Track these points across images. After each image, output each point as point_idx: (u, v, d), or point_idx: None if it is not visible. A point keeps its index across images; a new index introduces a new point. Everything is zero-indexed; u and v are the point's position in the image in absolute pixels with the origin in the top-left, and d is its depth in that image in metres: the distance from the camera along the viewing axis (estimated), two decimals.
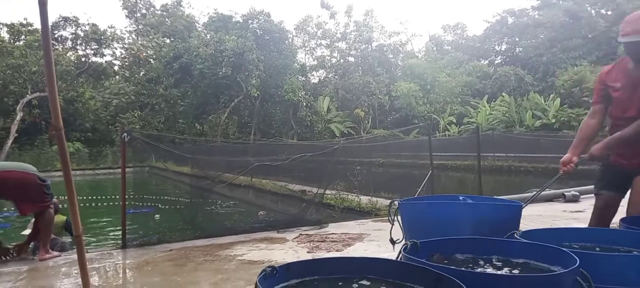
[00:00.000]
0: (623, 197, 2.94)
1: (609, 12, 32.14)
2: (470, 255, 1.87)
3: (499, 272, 1.69)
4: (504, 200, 2.91)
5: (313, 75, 39.61)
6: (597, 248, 1.99)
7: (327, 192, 7.18)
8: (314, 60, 40.01)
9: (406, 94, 31.98)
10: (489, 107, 28.45)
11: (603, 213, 2.94)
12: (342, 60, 37.98)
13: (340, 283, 1.56)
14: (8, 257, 4.32)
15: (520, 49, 37.11)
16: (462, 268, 1.67)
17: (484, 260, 1.82)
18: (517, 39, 38.31)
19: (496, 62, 40.11)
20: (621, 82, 2.89)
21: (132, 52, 35.09)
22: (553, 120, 24.38)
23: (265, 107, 31.16)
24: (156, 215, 7.98)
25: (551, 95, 26.27)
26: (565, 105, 25.06)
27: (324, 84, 37.06)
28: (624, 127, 2.80)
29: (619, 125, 2.86)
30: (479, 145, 8.42)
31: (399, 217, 2.62)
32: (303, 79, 34.97)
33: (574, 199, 7.06)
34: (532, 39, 35.36)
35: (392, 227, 2.62)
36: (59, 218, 5.48)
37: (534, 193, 3.48)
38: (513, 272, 1.69)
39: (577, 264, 1.49)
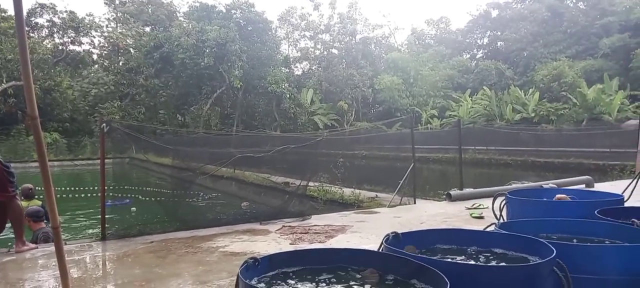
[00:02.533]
0: None
1: (589, 9, 32.74)
2: (451, 246, 1.90)
3: (478, 263, 1.72)
4: (606, 194, 2.98)
5: (296, 67, 39.46)
6: (574, 239, 2.04)
7: (310, 184, 7.19)
8: (297, 52, 39.82)
9: (389, 87, 32.13)
10: (471, 100, 28.81)
11: None
12: (325, 53, 37.88)
13: (322, 274, 1.57)
14: None
15: (502, 42, 37.57)
16: (442, 259, 1.70)
17: (464, 250, 1.85)
18: (499, 33, 38.76)
19: (478, 56, 40.55)
20: None
21: (111, 40, 34.33)
22: (532, 114, 24.84)
23: (248, 99, 30.93)
24: (132, 208, 7.86)
25: (531, 90, 26.73)
26: (544, 100, 25.53)
27: (307, 75, 36.94)
28: None
29: None
30: (460, 139, 8.53)
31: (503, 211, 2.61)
32: (287, 70, 34.80)
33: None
34: (515, 33, 35.82)
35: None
36: (35, 202, 5.34)
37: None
38: (491, 262, 1.73)
39: (553, 254, 1.53)
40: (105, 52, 35.45)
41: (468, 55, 40.25)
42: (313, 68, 37.91)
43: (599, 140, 16.20)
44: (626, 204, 2.62)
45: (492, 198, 2.88)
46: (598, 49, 28.73)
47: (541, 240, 1.71)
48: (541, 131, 20.28)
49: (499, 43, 38.82)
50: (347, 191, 7.77)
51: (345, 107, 32.12)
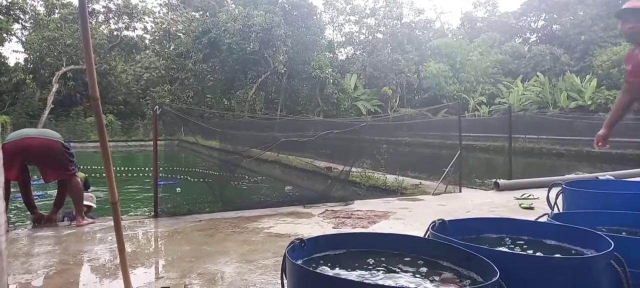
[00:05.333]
0: None
1: None
2: (499, 235, 1.85)
3: (529, 253, 1.67)
4: None
5: (340, 51, 39.22)
6: (636, 233, 1.94)
7: (353, 169, 7.19)
8: (342, 37, 39.56)
9: (435, 75, 31.35)
10: (523, 87, 27.63)
11: None
12: (370, 37, 37.37)
13: (367, 258, 1.58)
14: (40, 224, 4.52)
15: (558, 26, 35.57)
16: (492, 248, 1.66)
17: (515, 240, 1.80)
18: (555, 16, 36.70)
19: (531, 40, 38.69)
20: (631, 64, 3.15)
21: (163, 26, 35.50)
22: (589, 102, 23.51)
23: (292, 84, 31.15)
24: (177, 188, 8.15)
25: (588, 76, 25.27)
26: (602, 87, 24.07)
27: (351, 60, 36.65)
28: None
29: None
30: (510, 126, 8.23)
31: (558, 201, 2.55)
32: (330, 55, 34.69)
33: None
34: (572, 16, 33.79)
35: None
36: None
37: None
38: (544, 254, 1.67)
39: (611, 248, 1.46)
40: (156, 37, 36.73)
41: (520, 40, 38.48)
42: (357, 53, 37.56)
43: None
44: None
45: (542, 189, 2.77)
46: None
47: (598, 232, 1.64)
48: (598, 120, 19.15)
49: (554, 26, 36.79)
50: (390, 178, 7.71)
51: (389, 93, 31.68)
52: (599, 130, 3.28)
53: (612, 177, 7.00)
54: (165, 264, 3.21)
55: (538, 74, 28.00)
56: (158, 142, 5.40)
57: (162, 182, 6.08)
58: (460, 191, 6.61)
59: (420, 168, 8.67)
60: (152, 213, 4.98)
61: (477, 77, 31.90)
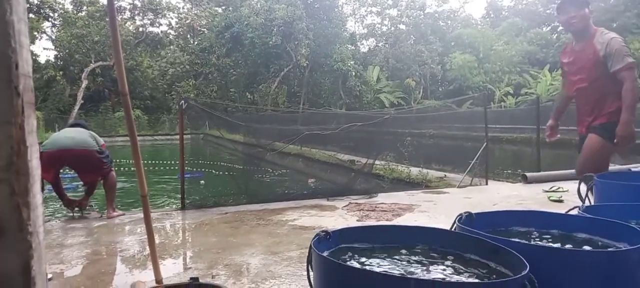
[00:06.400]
0: None
1: None
2: (528, 228, 1.82)
3: (558, 245, 1.64)
4: None
5: (363, 44, 38.95)
6: None
7: (376, 162, 7.16)
8: (364, 29, 39.27)
9: (461, 66, 30.79)
10: (551, 76, 26.88)
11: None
12: (393, 28, 36.95)
13: (392, 250, 1.57)
14: (73, 208, 4.74)
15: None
16: (519, 240, 1.63)
17: (544, 233, 1.77)
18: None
19: (560, 28, 37.50)
20: (567, 58, 3.30)
21: (187, 21, 35.99)
22: None
23: (314, 77, 31.14)
24: (201, 181, 8.27)
25: None
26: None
27: (373, 52, 36.36)
28: (578, 98, 3.26)
29: (575, 96, 3.32)
30: (538, 117, 8.03)
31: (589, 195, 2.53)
32: (353, 47, 34.48)
33: None
34: (603, 2, 32.59)
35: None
36: None
37: None
38: (574, 247, 1.63)
39: None
40: (181, 32, 37.29)
41: (548, 28, 37.40)
42: (379, 45, 37.22)
43: None
44: None
45: (572, 182, 2.72)
46: None
47: (631, 225, 1.59)
48: None
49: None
50: (414, 170, 7.65)
51: (412, 85, 31.31)
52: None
53: None
54: (192, 255, 3.28)
55: None
56: (184, 135, 5.51)
57: (188, 175, 6.20)
58: (486, 184, 6.51)
59: (444, 161, 8.56)
60: (180, 205, 5.09)
61: (502, 66, 31.19)
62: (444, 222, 3.54)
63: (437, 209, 4.73)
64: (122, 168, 7.01)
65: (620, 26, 30.19)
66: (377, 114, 9.24)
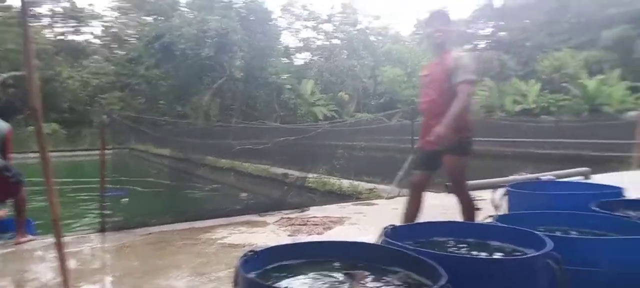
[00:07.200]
0: (432, 174, 3.48)
1: None
2: (448, 238, 1.90)
3: (474, 255, 1.73)
4: (604, 186, 3.07)
5: (297, 57, 39.30)
6: (572, 232, 2.05)
7: (309, 175, 7.19)
8: (299, 42, 39.63)
9: (392, 80, 32.02)
10: None
11: (413, 190, 3.47)
12: (327, 43, 37.69)
13: (319, 267, 1.57)
14: None
15: (506, 33, 37.33)
16: (439, 252, 1.70)
17: (461, 242, 1.86)
18: (502, 23, 38.48)
19: (480, 46, 40.31)
20: (426, 71, 3.44)
21: (112, 30, 34.23)
22: (533, 105, 24.76)
23: (248, 89, 30.84)
24: (124, 199, 7.78)
25: (531, 80, 26.66)
26: (545, 91, 25.45)
27: (308, 66, 36.77)
28: (427, 110, 3.32)
29: (424, 108, 3.37)
30: None
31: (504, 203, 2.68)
32: (287, 61, 34.66)
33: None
34: (519, 23, 35.56)
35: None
36: None
37: None
38: (488, 254, 1.73)
39: (548, 247, 1.53)
40: (106, 41, 35.36)
41: (471, 46, 40.01)
42: (314, 58, 37.74)
43: (599, 132, 16.16)
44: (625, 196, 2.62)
45: (490, 190, 2.89)
46: (601, 39, 28.53)
47: (538, 233, 1.72)
48: (542, 122, 20.24)
49: (502, 33, 38.57)
50: (346, 182, 7.77)
51: (345, 98, 32.02)
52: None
53: (553, 177, 7.39)
54: (113, 281, 3.07)
55: (486, 79, 29.21)
56: (107, 151, 5.17)
57: (110, 193, 5.83)
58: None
59: (375, 172, 8.78)
60: (99, 227, 4.75)
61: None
62: (374, 233, 3.60)
63: (367, 221, 4.82)
64: (35, 188, 6.42)
65: (533, 45, 33.08)
66: (311, 126, 9.31)
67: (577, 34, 31.43)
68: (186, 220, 4.93)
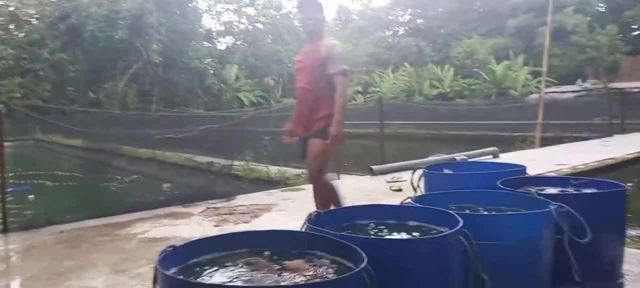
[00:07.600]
0: None
1: None
2: (370, 221, 1.98)
3: (391, 237, 1.81)
4: (510, 165, 3.23)
5: (220, 41, 38.13)
6: (480, 209, 2.22)
7: (236, 163, 7.07)
8: (221, 26, 38.43)
9: None
10: (393, 76, 29.86)
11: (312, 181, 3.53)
12: (250, 27, 36.95)
13: (244, 258, 1.56)
14: None
15: (422, 20, 39.13)
16: (360, 235, 1.77)
17: (382, 224, 1.94)
18: (419, 11, 40.29)
19: (400, 33, 41.91)
20: (300, 56, 3.50)
21: (9, 9, 30.76)
22: (448, 90, 26.37)
23: (168, 75, 29.39)
24: (30, 196, 7.13)
25: (446, 66, 28.30)
26: (458, 76, 27.17)
27: (231, 51, 35.87)
28: (300, 96, 3.37)
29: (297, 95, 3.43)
30: (381, 114, 8.83)
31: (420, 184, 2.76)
32: (209, 45, 33.51)
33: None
34: (433, 11, 37.41)
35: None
36: None
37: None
38: (406, 235, 1.83)
39: (460, 225, 1.65)
40: (2, 22, 31.71)
41: (391, 33, 41.45)
42: (238, 43, 36.88)
43: (505, 114, 17.64)
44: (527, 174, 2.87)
45: (410, 171, 3.04)
46: (506, 27, 30.94)
47: (450, 211, 1.84)
48: (456, 106, 21.62)
49: (418, 20, 40.39)
50: (273, 169, 7.76)
51: (271, 83, 31.77)
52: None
53: (466, 157, 7.96)
54: (20, 284, 2.81)
55: (406, 64, 30.49)
56: (8, 143, 4.68)
57: (12, 188, 5.30)
58: (338, 178, 6.91)
59: (302, 158, 8.83)
60: (1, 227, 4.31)
61: (351, 66, 33.59)
62: (301, 219, 3.65)
63: (295, 207, 4.86)
64: None
65: (447, 32, 35.05)
66: (236, 113, 9.13)
67: (486, 22, 33.84)
68: (103, 216, 4.62)
